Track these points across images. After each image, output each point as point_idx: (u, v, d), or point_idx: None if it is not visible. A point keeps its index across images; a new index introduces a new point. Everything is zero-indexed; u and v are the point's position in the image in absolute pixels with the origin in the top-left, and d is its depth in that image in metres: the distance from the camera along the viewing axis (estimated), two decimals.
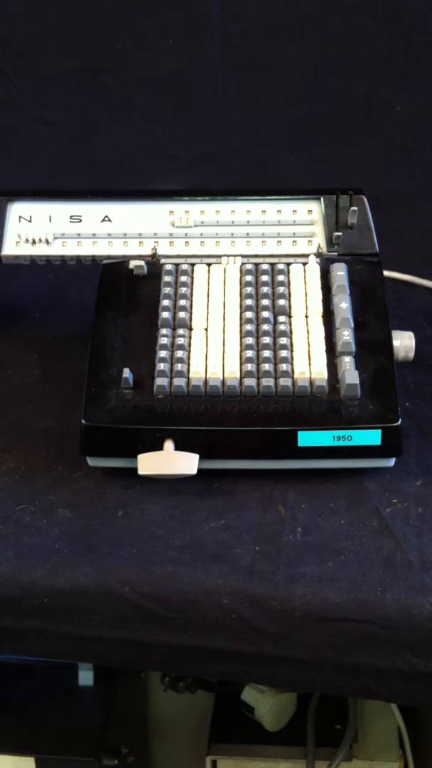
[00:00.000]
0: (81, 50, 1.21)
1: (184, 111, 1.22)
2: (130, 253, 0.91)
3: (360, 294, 0.86)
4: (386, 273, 0.97)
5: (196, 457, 0.77)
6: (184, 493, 0.79)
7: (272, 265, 0.89)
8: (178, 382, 0.80)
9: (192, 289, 0.87)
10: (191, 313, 0.85)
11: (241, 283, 0.88)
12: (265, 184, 1.13)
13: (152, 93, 1.22)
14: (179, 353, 0.81)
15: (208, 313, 0.85)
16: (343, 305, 0.84)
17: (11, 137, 1.24)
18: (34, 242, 0.92)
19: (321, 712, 1.07)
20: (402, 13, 1.16)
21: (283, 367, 0.80)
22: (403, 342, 0.85)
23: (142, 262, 0.90)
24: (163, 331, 0.84)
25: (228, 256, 0.90)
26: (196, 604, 0.71)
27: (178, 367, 0.81)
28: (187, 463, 0.77)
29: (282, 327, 0.83)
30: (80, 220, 0.92)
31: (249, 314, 0.84)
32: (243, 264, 0.89)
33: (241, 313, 0.85)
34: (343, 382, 0.79)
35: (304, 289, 0.87)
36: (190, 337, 0.83)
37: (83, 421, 0.78)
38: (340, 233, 0.90)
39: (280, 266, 0.88)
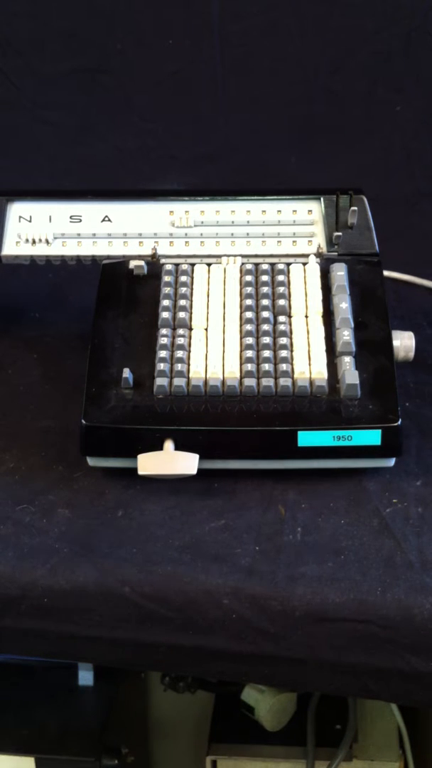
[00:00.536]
0: (81, 50, 1.21)
1: (184, 111, 1.22)
2: (130, 253, 0.91)
3: (360, 294, 0.86)
4: (386, 273, 0.97)
5: (196, 457, 0.77)
6: (184, 493, 0.79)
7: (272, 265, 0.89)
8: (178, 382, 0.80)
9: (192, 289, 0.87)
10: (191, 313, 0.85)
11: (241, 283, 0.88)
12: (265, 184, 1.13)
13: (152, 93, 1.22)
14: (179, 353, 0.81)
15: (208, 313, 0.85)
16: (343, 305, 0.84)
17: (11, 137, 1.24)
18: (34, 242, 0.92)
19: (321, 712, 1.07)
20: (402, 13, 1.16)
21: (283, 367, 0.80)
22: (403, 342, 0.85)
23: (142, 262, 0.90)
24: (163, 331, 0.84)
25: (228, 256, 0.90)
26: (196, 604, 0.71)
27: (178, 367, 0.81)
28: (187, 463, 0.77)
29: (282, 327, 0.83)
30: (80, 220, 0.92)
31: (249, 314, 0.84)
32: (243, 264, 0.89)
33: (241, 313, 0.85)
34: (343, 382, 0.79)
35: (304, 289, 0.87)
36: (190, 337, 0.83)
37: (83, 421, 0.78)
38: (340, 233, 0.90)
39: (280, 266, 0.88)
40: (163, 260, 0.90)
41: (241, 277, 0.88)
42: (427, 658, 0.70)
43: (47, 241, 0.92)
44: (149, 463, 0.77)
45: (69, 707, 1.07)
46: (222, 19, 1.18)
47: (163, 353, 0.81)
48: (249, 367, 0.81)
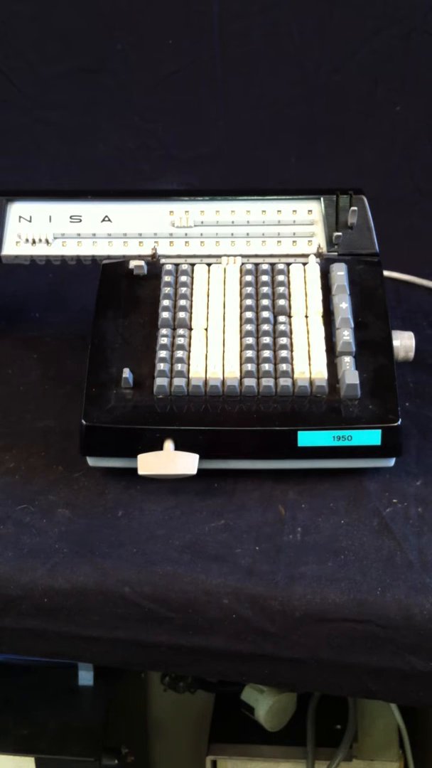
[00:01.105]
0: (81, 50, 1.21)
1: (184, 111, 1.22)
2: (130, 253, 0.91)
3: (360, 294, 0.86)
4: (386, 273, 0.97)
5: (196, 457, 0.77)
6: (184, 493, 0.79)
7: (272, 265, 0.89)
8: (178, 382, 0.80)
9: (192, 289, 0.87)
10: (191, 313, 0.85)
11: (241, 283, 0.88)
12: (265, 184, 1.13)
13: (152, 93, 1.22)
14: (179, 353, 0.81)
15: (208, 313, 0.85)
16: (343, 305, 0.84)
17: (11, 137, 1.24)
18: (34, 242, 0.92)
19: (321, 712, 1.07)
20: (402, 13, 1.16)
21: (283, 367, 0.80)
22: (403, 342, 0.85)
23: (142, 262, 0.90)
24: (163, 331, 0.84)
25: (228, 256, 0.90)
26: (196, 604, 0.71)
27: (178, 367, 0.81)
28: (187, 463, 0.77)
29: (282, 327, 0.83)
30: (80, 220, 0.92)
31: (249, 314, 0.84)
32: (243, 264, 0.89)
33: (241, 313, 0.85)
34: (343, 382, 0.79)
35: (304, 289, 0.87)
36: (190, 337, 0.83)
37: (83, 421, 0.78)
38: (340, 233, 0.90)
39: (280, 266, 0.88)
40: (163, 260, 0.90)
41: (241, 277, 0.88)
42: (427, 658, 0.70)
43: (47, 241, 0.92)
44: (149, 463, 0.77)
45: (69, 707, 1.07)
46: (222, 19, 1.18)
47: (163, 353, 0.81)
48: (249, 367, 0.81)
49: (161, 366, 0.81)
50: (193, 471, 0.77)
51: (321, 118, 1.21)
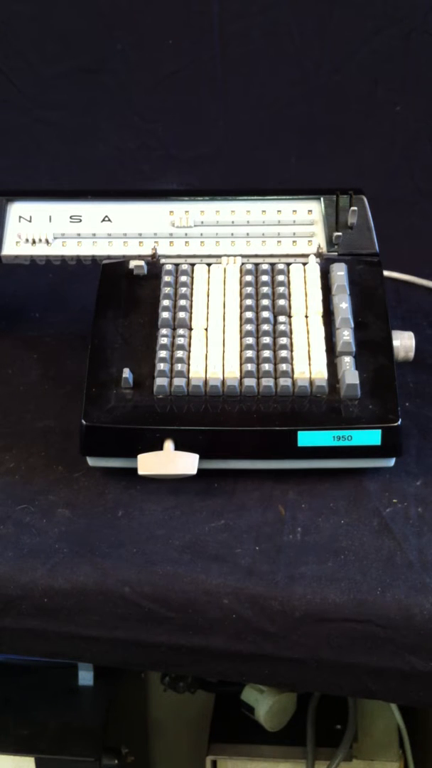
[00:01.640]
0: (81, 50, 1.21)
1: (184, 111, 1.22)
2: (130, 253, 0.91)
3: (360, 294, 0.86)
4: (386, 273, 0.97)
5: (196, 457, 0.77)
6: (184, 493, 0.79)
7: (272, 265, 0.89)
8: (178, 382, 0.80)
9: (192, 289, 0.87)
10: (191, 313, 0.85)
11: (241, 283, 0.88)
12: (265, 184, 1.13)
13: (152, 93, 1.22)
14: (179, 353, 0.81)
15: (208, 313, 0.85)
16: (343, 305, 0.84)
17: (11, 137, 1.24)
18: (34, 242, 0.92)
19: (321, 712, 1.07)
20: (402, 13, 1.16)
21: (283, 367, 0.80)
22: (403, 342, 0.85)
23: (142, 262, 0.90)
24: (163, 331, 0.84)
25: (228, 256, 0.90)
26: (196, 604, 0.71)
27: (178, 367, 0.81)
28: (187, 463, 0.77)
29: (282, 327, 0.83)
30: (80, 220, 0.92)
31: (249, 314, 0.84)
32: (243, 264, 0.89)
33: (241, 313, 0.85)
34: (343, 382, 0.79)
35: (304, 289, 0.87)
36: (190, 337, 0.83)
37: (83, 421, 0.78)
38: (340, 233, 0.90)
39: (280, 266, 0.88)
40: (163, 260, 0.90)
41: (241, 277, 0.88)
42: (427, 658, 0.70)
43: (47, 241, 0.92)
44: (149, 463, 0.77)
45: (69, 707, 1.07)
46: (222, 19, 1.18)
47: (163, 353, 0.81)
48: (249, 367, 0.81)
49: (161, 366, 0.81)
50: (193, 471, 0.77)
51: (321, 118, 1.21)
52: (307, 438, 0.78)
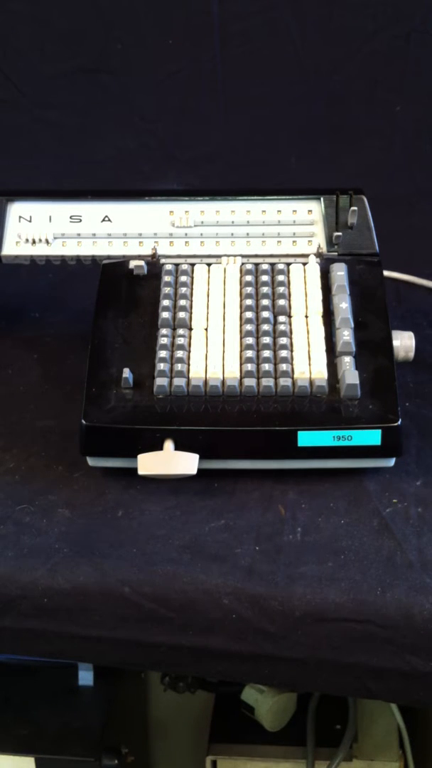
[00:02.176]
0: (81, 50, 1.21)
1: (184, 111, 1.22)
2: (130, 253, 0.91)
3: (360, 294, 0.86)
4: (386, 273, 0.97)
5: (196, 457, 0.77)
6: (184, 493, 0.79)
7: (272, 265, 0.89)
8: (178, 382, 0.80)
9: (192, 289, 0.87)
10: (191, 313, 0.85)
11: (241, 283, 0.88)
12: (265, 184, 1.13)
13: (152, 93, 1.22)
14: (179, 353, 0.81)
15: (208, 313, 0.85)
16: (343, 305, 0.84)
17: (11, 137, 1.24)
18: (34, 242, 0.92)
19: (321, 712, 1.07)
20: (402, 13, 1.16)
21: (283, 367, 0.80)
22: (403, 342, 0.85)
23: (142, 262, 0.90)
24: (163, 331, 0.84)
25: (228, 256, 0.90)
26: (196, 604, 0.71)
27: (178, 367, 0.81)
28: (187, 463, 0.77)
29: (282, 327, 0.83)
30: (80, 220, 0.92)
31: (249, 314, 0.84)
32: (243, 264, 0.89)
33: (241, 313, 0.85)
34: (343, 382, 0.79)
35: (304, 289, 0.87)
36: (190, 337, 0.83)
37: (83, 421, 0.78)
38: (340, 233, 0.90)
39: (280, 266, 0.88)
40: (163, 260, 0.90)
41: (241, 277, 0.88)
42: (427, 658, 0.70)
43: (47, 241, 0.92)
44: (149, 463, 0.77)
45: (69, 707, 1.07)
46: (222, 19, 1.18)
47: (163, 353, 0.81)
48: (249, 367, 0.81)
49: (161, 366, 0.81)
50: (193, 471, 0.77)
51: (321, 118, 1.21)
52: (307, 438, 0.78)
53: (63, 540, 0.75)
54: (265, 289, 0.86)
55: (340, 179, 0.94)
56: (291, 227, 0.91)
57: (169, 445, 0.78)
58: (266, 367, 0.80)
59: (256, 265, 0.89)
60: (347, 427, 0.77)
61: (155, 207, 0.92)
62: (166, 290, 0.87)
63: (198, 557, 0.73)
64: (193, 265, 0.89)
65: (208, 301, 0.86)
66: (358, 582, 0.71)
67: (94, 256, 0.91)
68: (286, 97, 1.21)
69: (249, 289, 0.86)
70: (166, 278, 0.88)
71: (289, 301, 0.86)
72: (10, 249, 0.92)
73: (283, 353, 0.81)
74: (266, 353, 0.81)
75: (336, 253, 0.90)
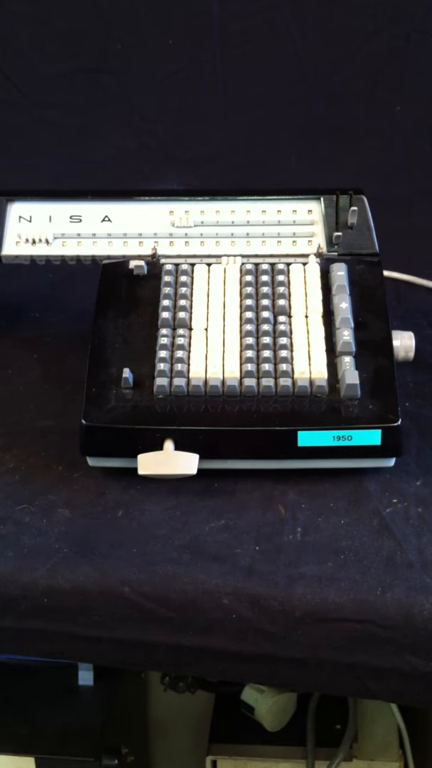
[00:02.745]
0: (81, 50, 1.21)
1: (184, 111, 1.22)
2: (130, 253, 0.91)
3: (360, 294, 0.86)
4: (386, 273, 0.97)
5: (196, 457, 0.77)
6: (184, 493, 0.79)
7: (272, 265, 0.89)
8: (178, 382, 0.80)
9: (192, 289, 0.87)
10: (191, 313, 0.85)
11: (241, 283, 0.88)
12: (265, 184, 1.13)
13: (152, 93, 1.22)
14: (179, 353, 0.81)
15: (208, 313, 0.85)
16: (343, 305, 0.84)
17: (11, 137, 1.24)
18: (34, 242, 0.92)
19: (321, 712, 1.07)
20: (402, 13, 1.16)
21: (283, 367, 0.80)
22: (403, 342, 0.85)
23: (142, 262, 0.90)
24: (163, 331, 0.84)
25: (228, 256, 0.90)
26: (196, 604, 0.71)
27: (178, 367, 0.81)
28: (187, 463, 0.77)
29: (282, 327, 0.83)
30: (80, 220, 0.92)
31: (249, 314, 0.84)
32: (243, 264, 0.89)
33: (241, 313, 0.85)
34: (343, 382, 0.79)
35: (304, 289, 0.87)
36: (190, 337, 0.83)
37: (83, 421, 0.78)
38: (340, 233, 0.90)
39: (280, 266, 0.88)
40: (163, 260, 0.90)
41: (241, 277, 0.88)
42: (427, 658, 0.70)
43: (47, 241, 0.92)
44: (149, 463, 0.77)
45: (69, 707, 1.07)
46: (222, 19, 1.18)
47: (163, 353, 0.81)
48: (249, 367, 0.81)
49: (161, 366, 0.81)
50: (193, 471, 0.77)
51: (321, 118, 1.21)
52: (307, 438, 0.78)
53: (63, 540, 0.75)
54: (265, 289, 0.86)
55: (340, 179, 0.94)
56: (291, 227, 0.91)
57: (169, 445, 0.78)
58: (266, 367, 0.80)
59: (256, 265, 0.89)
60: (347, 427, 0.77)
61: (155, 207, 0.92)
62: (166, 290, 0.87)
63: (198, 557, 0.73)
64: (193, 265, 0.89)
65: (208, 301, 0.86)
66: (358, 582, 0.71)
67: (94, 256, 0.91)
68: (286, 97, 1.21)
69: (249, 289, 0.86)
70: (166, 278, 0.88)
71: (289, 301, 0.86)
72: (10, 249, 0.92)
73: (283, 353, 0.81)
74: (266, 353, 0.81)
75: (336, 253, 0.90)
